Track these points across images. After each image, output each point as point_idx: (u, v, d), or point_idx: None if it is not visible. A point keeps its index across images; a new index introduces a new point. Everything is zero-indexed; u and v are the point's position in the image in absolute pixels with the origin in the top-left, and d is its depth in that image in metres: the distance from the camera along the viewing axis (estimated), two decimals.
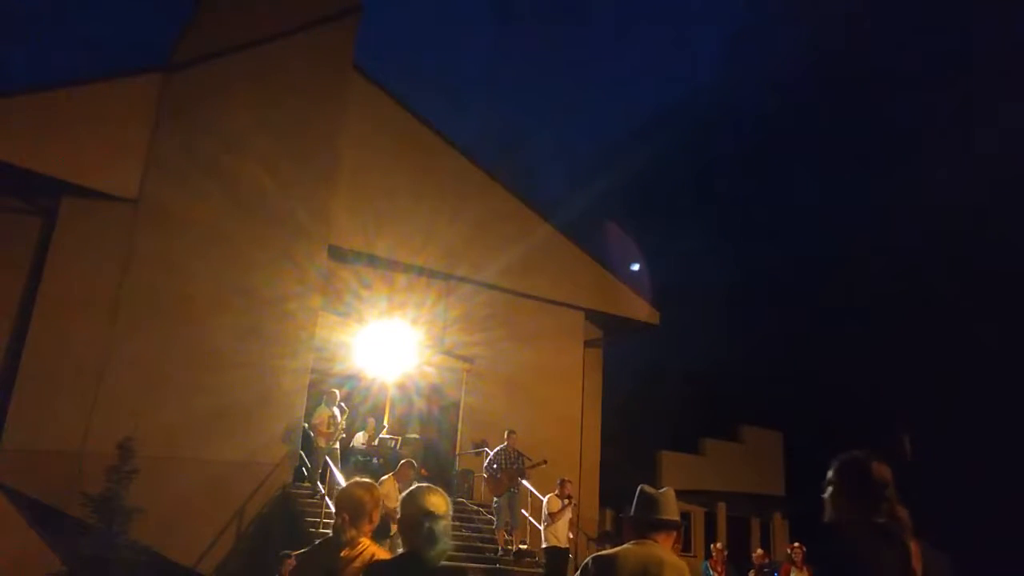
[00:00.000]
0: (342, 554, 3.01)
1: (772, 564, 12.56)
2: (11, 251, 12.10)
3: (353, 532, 3.03)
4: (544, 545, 10.49)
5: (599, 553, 3.12)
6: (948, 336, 25.75)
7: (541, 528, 10.66)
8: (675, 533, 3.13)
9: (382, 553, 3.02)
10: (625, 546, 3.05)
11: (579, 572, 3.06)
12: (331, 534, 3.16)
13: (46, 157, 11.77)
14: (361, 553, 2.98)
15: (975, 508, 19.94)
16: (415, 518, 2.66)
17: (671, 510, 3.13)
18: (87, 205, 12.26)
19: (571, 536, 10.79)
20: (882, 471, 2.50)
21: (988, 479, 20.99)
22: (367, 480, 3.32)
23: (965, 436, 21.89)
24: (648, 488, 3.20)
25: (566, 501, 10.48)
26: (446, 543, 2.66)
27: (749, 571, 12.19)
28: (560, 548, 10.35)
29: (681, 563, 3.01)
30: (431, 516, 2.65)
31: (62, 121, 12.04)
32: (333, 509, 11.25)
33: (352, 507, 3.07)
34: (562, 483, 10.69)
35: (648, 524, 3.09)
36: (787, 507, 21.70)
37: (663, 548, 3.03)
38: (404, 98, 15.64)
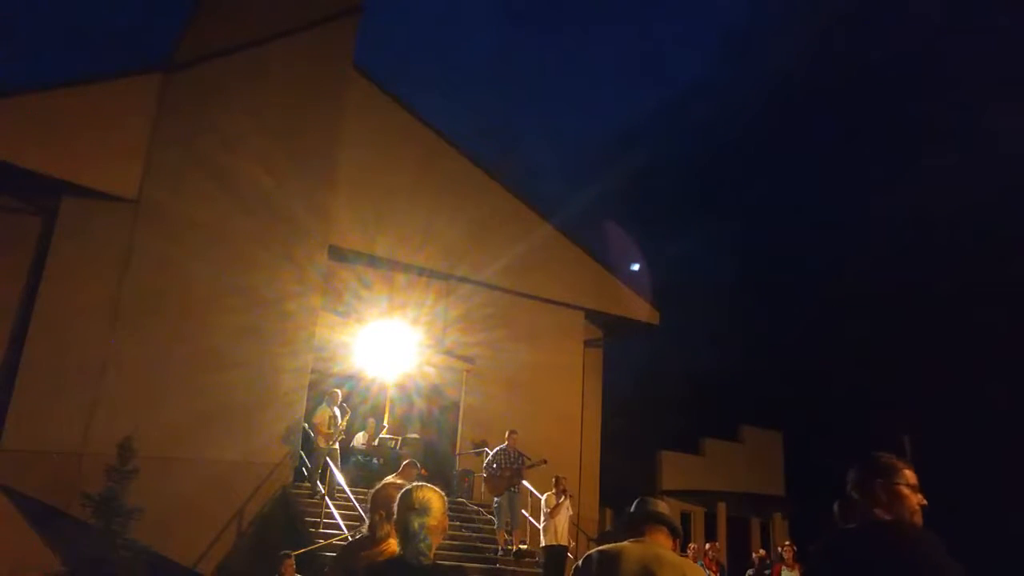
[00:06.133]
0: (363, 553, 3.11)
1: (765, 563, 12.62)
2: (11, 251, 12.10)
3: (388, 528, 3.11)
4: (543, 543, 10.54)
5: (602, 547, 3.11)
6: (949, 336, 25.74)
7: (540, 526, 10.71)
8: (672, 538, 3.11)
9: None
10: (625, 543, 3.04)
11: (581, 563, 3.05)
12: (366, 532, 3.29)
13: (46, 157, 11.77)
14: (384, 551, 3.05)
15: (975, 508, 19.91)
16: (401, 516, 2.66)
17: (664, 510, 3.16)
18: (87, 205, 12.27)
19: (572, 542, 10.77)
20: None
21: (988, 479, 20.98)
22: (401, 480, 3.40)
23: (965, 436, 21.88)
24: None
25: (562, 497, 10.53)
26: (425, 541, 2.58)
27: (748, 570, 12.23)
28: (559, 546, 10.39)
29: (681, 560, 3.00)
30: (412, 511, 2.63)
31: (62, 121, 12.04)
32: (332, 509, 11.23)
33: (387, 506, 3.11)
34: (557, 480, 10.77)
35: (642, 518, 3.09)
36: (787, 507, 21.69)
37: (662, 546, 3.03)
38: (404, 98, 15.65)
